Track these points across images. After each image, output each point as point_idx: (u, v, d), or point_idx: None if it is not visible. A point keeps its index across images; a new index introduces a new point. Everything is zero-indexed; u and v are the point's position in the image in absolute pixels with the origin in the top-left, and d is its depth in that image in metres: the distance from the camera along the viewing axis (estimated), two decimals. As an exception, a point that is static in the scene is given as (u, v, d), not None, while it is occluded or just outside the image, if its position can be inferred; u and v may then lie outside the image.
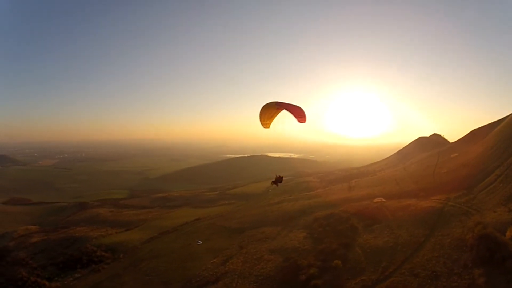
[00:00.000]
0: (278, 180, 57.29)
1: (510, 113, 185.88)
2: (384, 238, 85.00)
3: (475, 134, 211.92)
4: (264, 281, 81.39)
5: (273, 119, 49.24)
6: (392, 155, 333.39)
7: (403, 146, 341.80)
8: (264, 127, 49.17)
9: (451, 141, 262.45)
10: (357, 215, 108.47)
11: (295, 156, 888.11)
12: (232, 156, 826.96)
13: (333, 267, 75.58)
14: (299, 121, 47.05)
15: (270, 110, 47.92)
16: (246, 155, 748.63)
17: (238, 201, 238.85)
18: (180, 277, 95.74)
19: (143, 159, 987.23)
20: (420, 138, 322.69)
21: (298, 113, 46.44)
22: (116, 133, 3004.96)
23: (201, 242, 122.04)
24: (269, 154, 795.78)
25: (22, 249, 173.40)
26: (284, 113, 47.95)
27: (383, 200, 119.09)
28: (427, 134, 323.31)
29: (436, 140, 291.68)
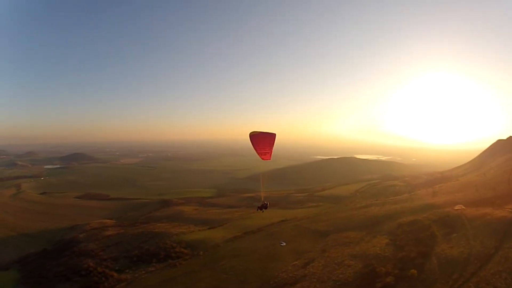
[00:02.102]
0: (264, 206, 67.66)
1: None
2: (459, 248, 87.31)
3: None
4: (341, 286, 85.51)
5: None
6: (474, 158, 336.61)
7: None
8: None
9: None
10: (438, 222, 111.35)
11: (383, 158, 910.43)
12: (322, 157, 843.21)
13: (409, 276, 79.64)
14: (262, 158, 59.37)
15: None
16: (336, 157, 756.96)
17: (326, 204, 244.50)
18: (258, 277, 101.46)
19: (231, 158, 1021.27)
20: (499, 141, 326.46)
21: (260, 152, 58.61)
22: (204, 133, 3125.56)
23: (284, 244, 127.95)
24: (358, 156, 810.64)
25: (93, 241, 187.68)
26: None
27: (463, 207, 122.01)
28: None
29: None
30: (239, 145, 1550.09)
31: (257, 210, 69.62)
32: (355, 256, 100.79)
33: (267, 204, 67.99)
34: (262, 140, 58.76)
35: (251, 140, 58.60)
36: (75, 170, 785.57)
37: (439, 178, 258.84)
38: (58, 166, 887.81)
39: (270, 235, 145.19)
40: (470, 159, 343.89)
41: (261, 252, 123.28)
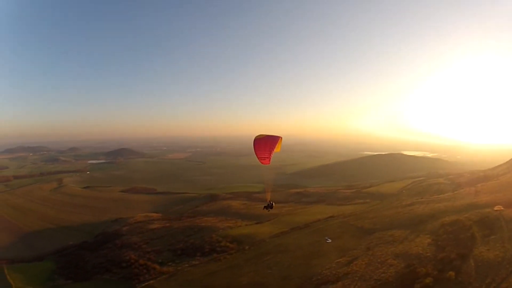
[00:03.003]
0: (269, 206, 74.64)
1: None
2: (495, 251, 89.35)
3: None
4: (382, 286, 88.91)
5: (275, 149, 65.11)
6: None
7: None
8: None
9: None
10: (479, 223, 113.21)
11: (429, 155, 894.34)
12: (370, 153, 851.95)
13: (446, 278, 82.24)
14: (261, 163, 64.83)
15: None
16: (384, 153, 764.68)
17: (373, 201, 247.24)
18: (301, 273, 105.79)
19: (280, 154, 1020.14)
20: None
21: (260, 157, 63.81)
22: (253, 129, 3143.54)
23: (330, 240, 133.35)
24: (405, 153, 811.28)
25: (136, 234, 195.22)
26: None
27: (502, 208, 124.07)
28: None
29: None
30: (287, 141, 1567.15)
31: (263, 209, 75.92)
32: (398, 255, 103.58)
33: (272, 203, 74.54)
34: (264, 146, 63.49)
35: (253, 145, 63.70)
36: (121, 165, 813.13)
37: (481, 177, 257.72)
38: (103, 161, 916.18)
39: (317, 232, 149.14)
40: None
41: (306, 248, 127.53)
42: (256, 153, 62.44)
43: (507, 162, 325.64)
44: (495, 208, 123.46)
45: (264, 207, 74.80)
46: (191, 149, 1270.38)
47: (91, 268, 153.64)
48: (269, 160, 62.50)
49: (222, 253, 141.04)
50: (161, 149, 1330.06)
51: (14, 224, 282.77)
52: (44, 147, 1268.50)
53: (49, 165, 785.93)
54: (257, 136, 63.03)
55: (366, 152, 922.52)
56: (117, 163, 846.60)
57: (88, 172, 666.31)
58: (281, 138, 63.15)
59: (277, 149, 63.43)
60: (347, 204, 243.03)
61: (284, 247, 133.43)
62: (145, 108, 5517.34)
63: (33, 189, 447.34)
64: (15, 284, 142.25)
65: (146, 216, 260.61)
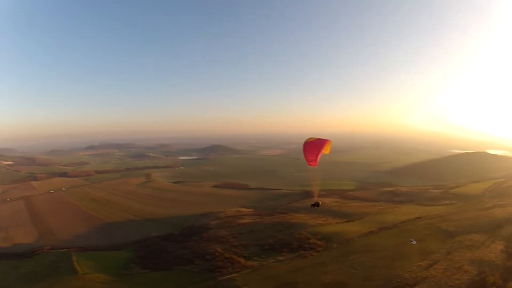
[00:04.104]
0: (316, 204, 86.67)
1: None
2: None
3: None
4: None
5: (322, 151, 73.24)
6: None
7: None
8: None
9: None
10: None
11: (510, 155, 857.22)
12: (458, 151, 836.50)
13: None
14: (309, 165, 72.29)
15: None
16: (470, 151, 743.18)
17: (458, 202, 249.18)
18: (383, 275, 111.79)
19: (372, 151, 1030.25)
20: None
21: (308, 159, 71.83)
22: (347, 125, 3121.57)
23: (415, 242, 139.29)
24: (489, 151, 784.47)
25: (225, 228, 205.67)
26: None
27: None
28: None
29: None
30: (379, 138, 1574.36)
31: (311, 207, 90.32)
32: (474, 261, 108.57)
33: (319, 202, 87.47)
34: (311, 149, 72.06)
35: (303, 148, 72.58)
36: (213, 161, 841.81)
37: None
38: (195, 157, 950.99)
39: (403, 232, 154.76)
40: None
41: (391, 249, 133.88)
42: (304, 156, 67.88)
43: None
44: None
45: (312, 205, 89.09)
46: (287, 146, 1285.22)
47: (172, 259, 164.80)
48: (316, 162, 69.24)
49: (309, 250, 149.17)
50: (255, 145, 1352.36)
51: (92, 215, 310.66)
52: (131, 144, 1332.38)
53: (136, 161, 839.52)
54: (307, 140, 69.33)
55: (454, 150, 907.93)
56: (210, 159, 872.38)
57: (181, 167, 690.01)
58: (330, 141, 69.19)
59: (325, 151, 69.12)
60: (434, 205, 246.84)
61: (371, 247, 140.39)
62: (240, 104, 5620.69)
63: (118, 183, 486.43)
64: (82, 271, 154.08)
65: (237, 211, 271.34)
